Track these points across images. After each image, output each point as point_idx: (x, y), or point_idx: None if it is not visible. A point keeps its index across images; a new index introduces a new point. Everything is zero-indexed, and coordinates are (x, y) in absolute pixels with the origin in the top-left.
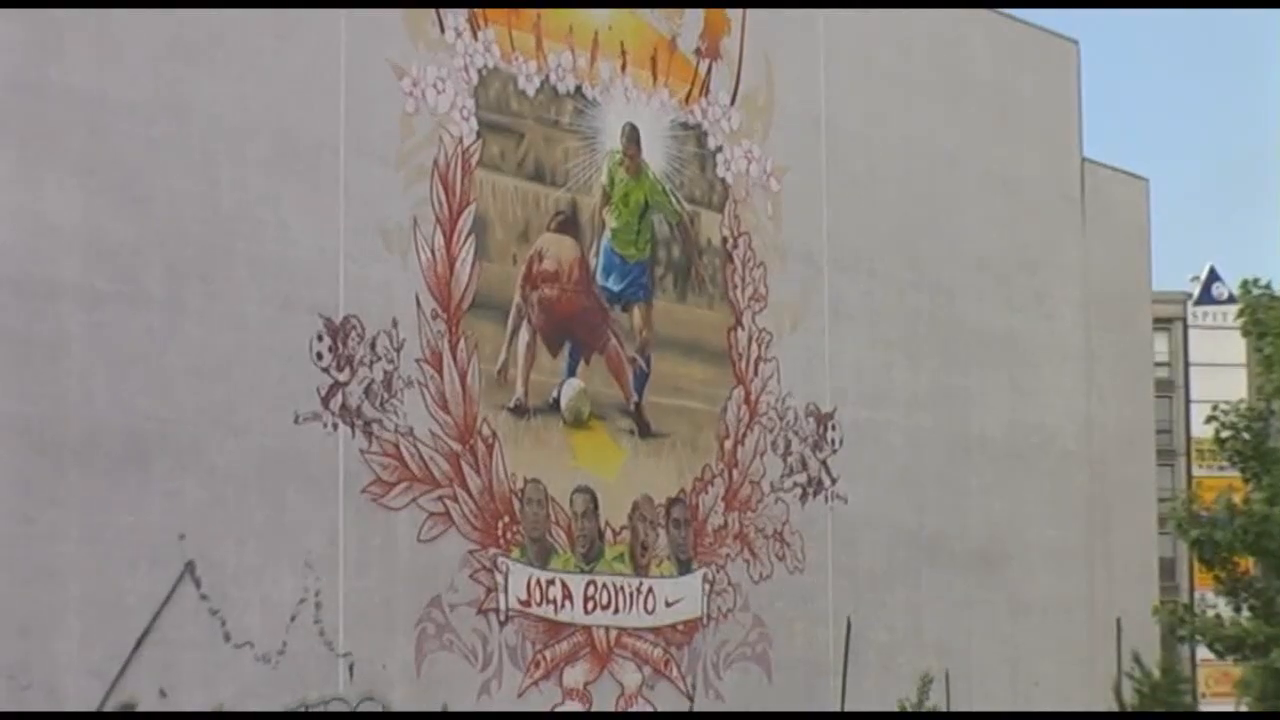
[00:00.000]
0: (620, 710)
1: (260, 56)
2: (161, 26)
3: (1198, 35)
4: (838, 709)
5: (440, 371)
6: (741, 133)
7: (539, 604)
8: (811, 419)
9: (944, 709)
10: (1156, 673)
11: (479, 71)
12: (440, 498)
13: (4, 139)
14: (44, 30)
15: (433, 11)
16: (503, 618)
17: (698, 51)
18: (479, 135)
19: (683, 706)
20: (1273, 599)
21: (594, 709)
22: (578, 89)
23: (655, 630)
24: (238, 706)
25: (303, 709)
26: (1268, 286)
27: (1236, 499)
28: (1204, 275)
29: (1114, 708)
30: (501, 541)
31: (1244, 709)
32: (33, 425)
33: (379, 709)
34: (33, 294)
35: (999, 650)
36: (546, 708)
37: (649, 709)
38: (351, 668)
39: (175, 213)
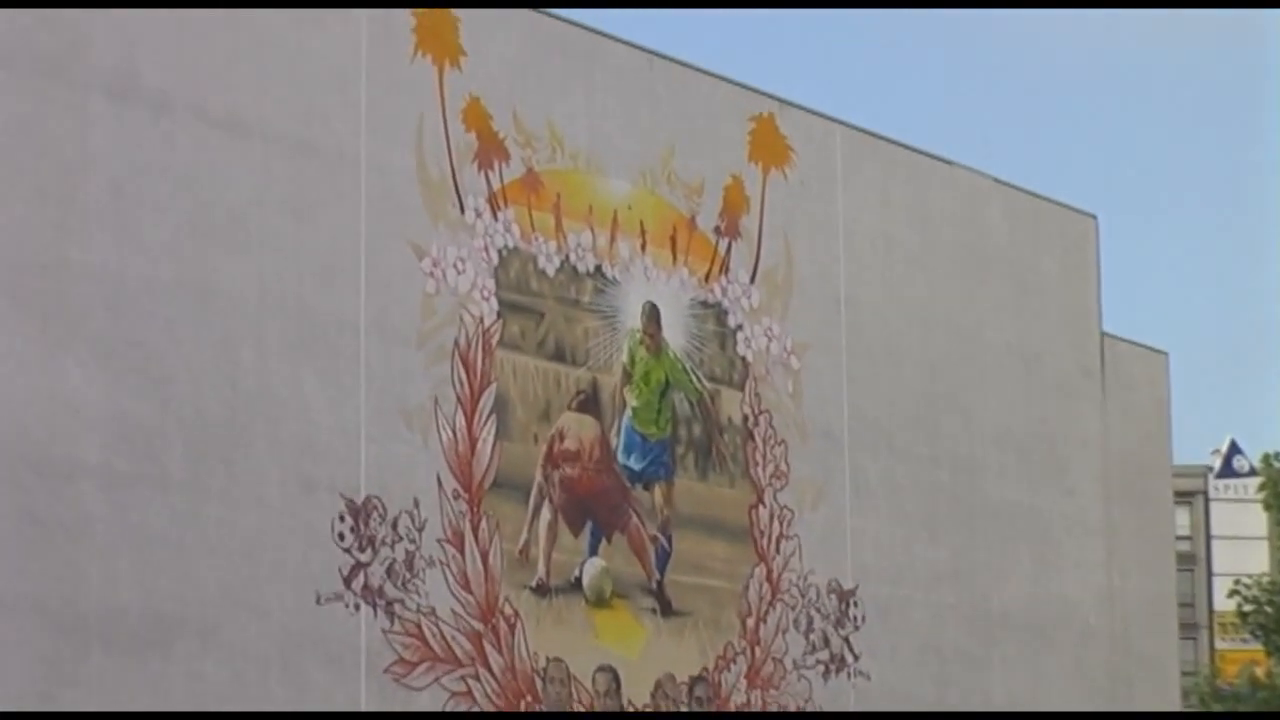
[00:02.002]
0: None
1: (280, 237)
2: (181, 207)
3: (1216, 207)
4: None
5: (462, 551)
6: (761, 310)
7: None
8: (834, 596)
9: None
10: None
11: (499, 251)
12: (463, 677)
13: (24, 319)
14: (64, 210)
15: (453, 192)
16: None
17: (717, 230)
18: (499, 315)
19: None
20: None
21: None
22: (598, 268)
23: None
24: None
25: None
26: None
27: (1259, 672)
28: (1225, 448)
29: None
30: None
31: None
32: (54, 606)
33: None
34: (53, 475)
35: None
36: None
37: None
38: None
39: (196, 393)
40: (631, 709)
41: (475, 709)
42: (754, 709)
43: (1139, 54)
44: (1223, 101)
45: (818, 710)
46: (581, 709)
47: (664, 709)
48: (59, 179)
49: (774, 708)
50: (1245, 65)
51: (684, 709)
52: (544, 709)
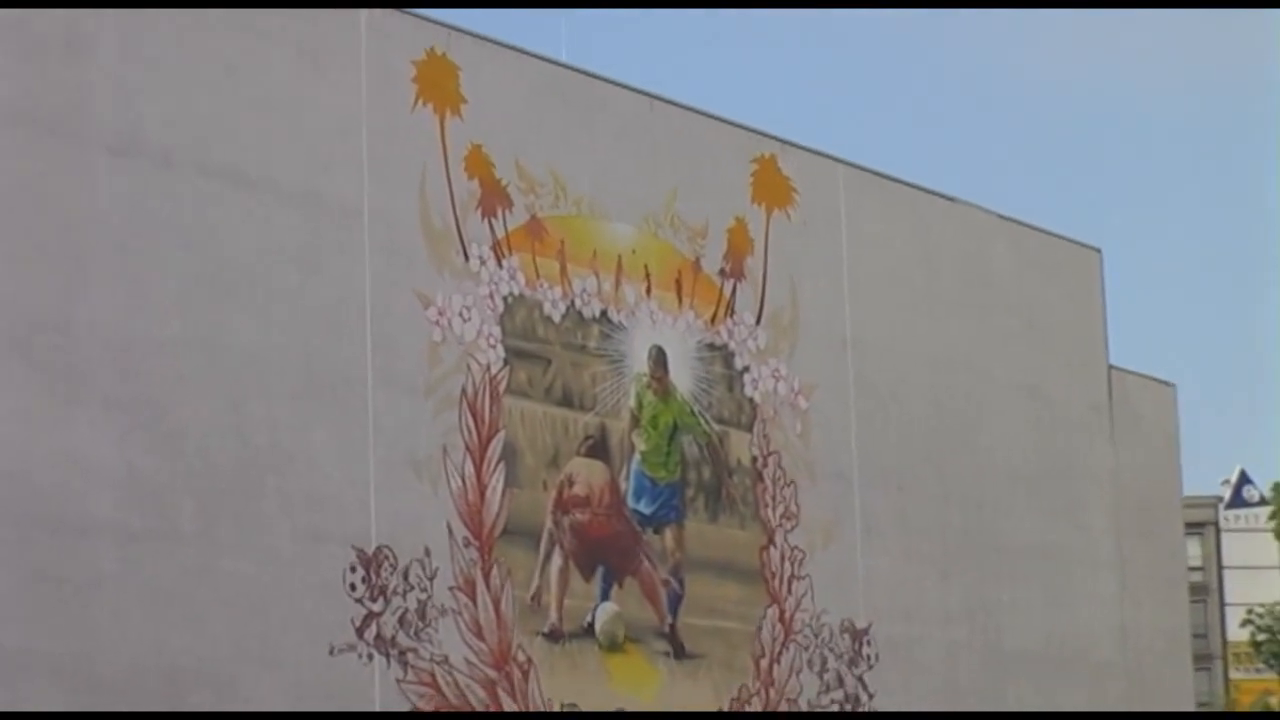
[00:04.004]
0: None
1: (285, 290)
2: (186, 262)
3: (1220, 237)
4: None
5: (474, 599)
6: (768, 352)
7: None
8: (846, 635)
9: None
10: None
11: (504, 299)
12: None
13: (34, 378)
14: (70, 268)
15: (457, 240)
16: None
17: (722, 272)
18: (506, 362)
19: None
20: None
21: None
22: (603, 313)
23: None
24: None
25: None
26: None
27: (1274, 701)
28: (1234, 478)
29: None
30: None
31: None
32: (67, 663)
33: None
34: (65, 532)
35: None
36: None
37: None
38: None
39: (206, 448)
40: None
41: None
42: None
43: (1141, 87)
44: (1226, 132)
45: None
46: None
47: None
48: (65, 237)
49: None
50: (1250, 96)
51: None
52: None
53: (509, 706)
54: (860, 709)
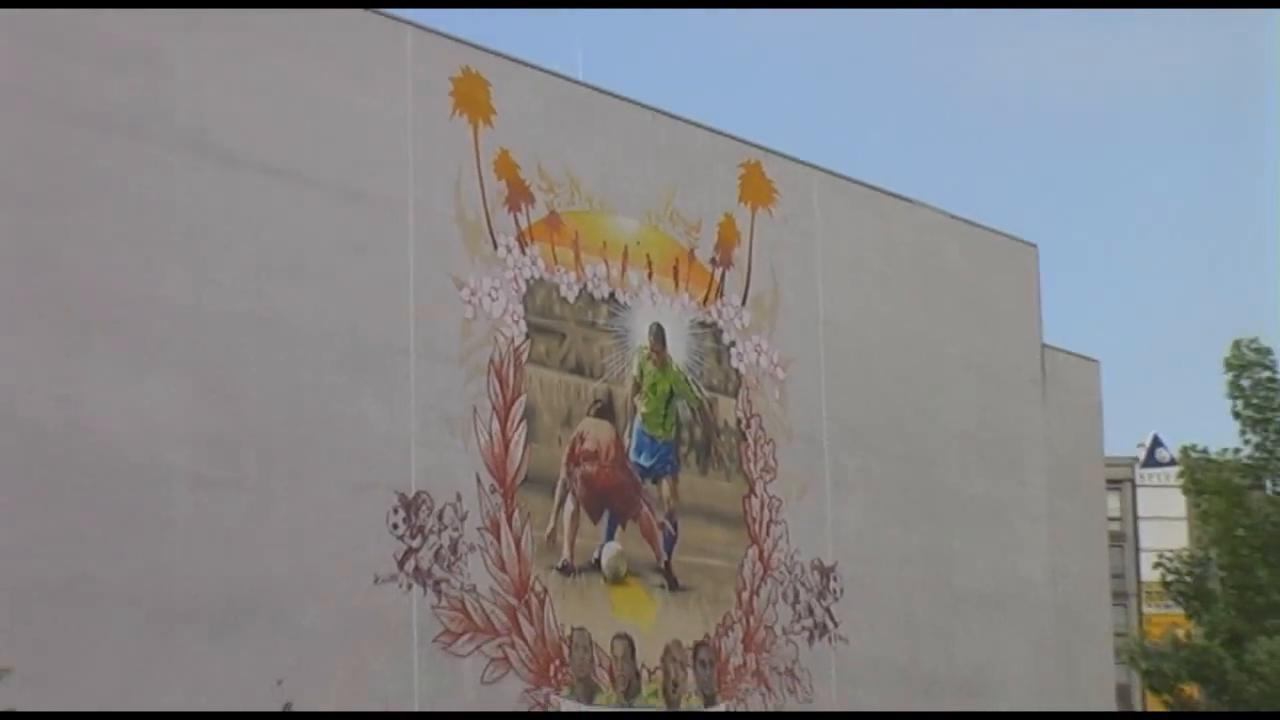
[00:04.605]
0: None
1: (336, 273)
2: (249, 248)
3: (1143, 233)
4: None
5: (498, 538)
6: (752, 329)
7: None
8: (816, 572)
9: None
10: None
11: (527, 281)
12: (500, 645)
13: (118, 348)
14: (148, 252)
15: (487, 230)
16: None
17: (713, 260)
18: (528, 336)
19: None
20: None
21: None
22: (611, 295)
23: None
24: None
25: None
26: (1204, 451)
27: (1181, 634)
28: (1149, 442)
29: None
30: (553, 682)
31: None
32: (143, 593)
33: None
34: (142, 480)
35: None
36: None
37: None
38: None
39: (266, 409)
40: (644, 670)
41: (511, 673)
42: (749, 670)
43: (1075, 95)
44: (1152, 137)
45: (810, 710)
46: (603, 671)
47: (672, 672)
48: (143, 225)
49: (766, 669)
50: (1174, 103)
51: (690, 671)
52: (570, 671)
53: (527, 630)
54: (828, 635)
